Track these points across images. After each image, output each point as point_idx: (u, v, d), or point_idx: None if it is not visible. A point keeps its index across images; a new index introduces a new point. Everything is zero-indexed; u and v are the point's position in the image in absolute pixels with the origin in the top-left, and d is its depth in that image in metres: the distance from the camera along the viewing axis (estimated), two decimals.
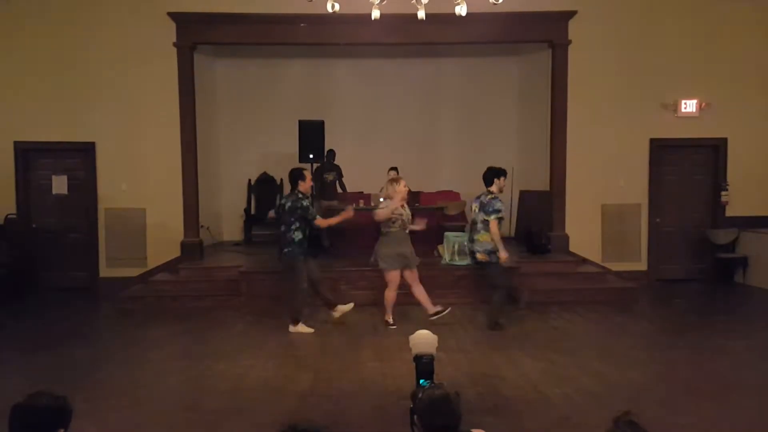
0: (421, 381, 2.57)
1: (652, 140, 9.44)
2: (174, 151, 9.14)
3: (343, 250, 9.03)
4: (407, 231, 6.81)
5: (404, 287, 6.94)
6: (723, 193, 9.46)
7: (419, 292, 6.84)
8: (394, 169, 8.99)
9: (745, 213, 9.43)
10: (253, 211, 10.91)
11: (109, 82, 9.11)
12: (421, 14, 5.75)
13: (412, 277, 6.83)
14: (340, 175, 9.93)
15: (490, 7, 5.56)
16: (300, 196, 6.65)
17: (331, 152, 9.85)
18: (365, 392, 4.89)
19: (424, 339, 2.69)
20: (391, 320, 6.85)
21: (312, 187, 7.11)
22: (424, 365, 2.63)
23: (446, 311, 6.80)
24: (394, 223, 6.68)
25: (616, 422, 1.93)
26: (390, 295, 6.81)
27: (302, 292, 6.67)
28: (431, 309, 6.80)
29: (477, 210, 6.70)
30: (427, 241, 8.32)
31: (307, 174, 6.85)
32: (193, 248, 9.11)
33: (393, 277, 6.74)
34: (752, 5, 9.39)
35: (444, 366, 5.27)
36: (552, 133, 9.36)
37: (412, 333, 2.72)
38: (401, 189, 6.71)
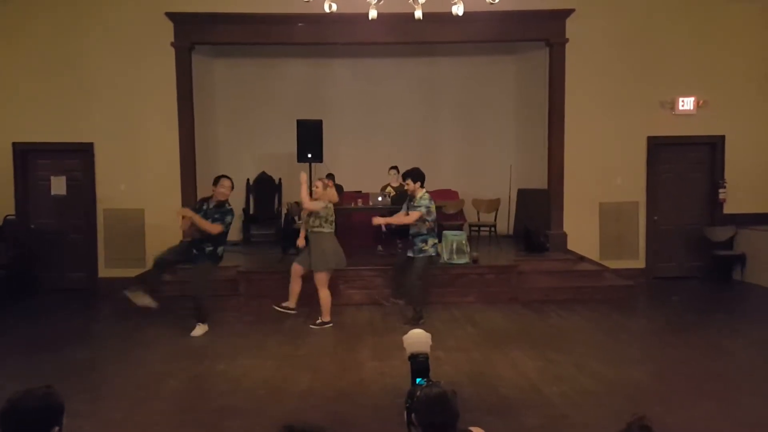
0: (418, 380, 2.59)
1: (649, 138, 9.46)
2: (172, 151, 9.16)
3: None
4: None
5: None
6: (721, 190, 9.49)
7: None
8: (395, 168, 9.00)
9: (743, 210, 9.45)
10: (251, 211, 10.91)
11: (107, 83, 9.13)
12: (418, 14, 5.74)
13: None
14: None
15: (487, 6, 5.56)
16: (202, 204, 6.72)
17: (331, 176, 9.90)
18: (364, 392, 4.90)
19: (417, 338, 2.71)
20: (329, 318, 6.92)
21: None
22: (419, 364, 2.65)
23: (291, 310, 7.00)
24: (331, 224, 6.86)
25: (629, 427, 1.92)
26: (328, 293, 6.89)
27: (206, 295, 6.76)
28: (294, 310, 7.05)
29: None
30: None
31: (225, 182, 6.78)
32: None
33: (328, 276, 6.87)
34: (750, 2, 9.40)
35: (442, 364, 5.29)
36: (549, 131, 9.37)
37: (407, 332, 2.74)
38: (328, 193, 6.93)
